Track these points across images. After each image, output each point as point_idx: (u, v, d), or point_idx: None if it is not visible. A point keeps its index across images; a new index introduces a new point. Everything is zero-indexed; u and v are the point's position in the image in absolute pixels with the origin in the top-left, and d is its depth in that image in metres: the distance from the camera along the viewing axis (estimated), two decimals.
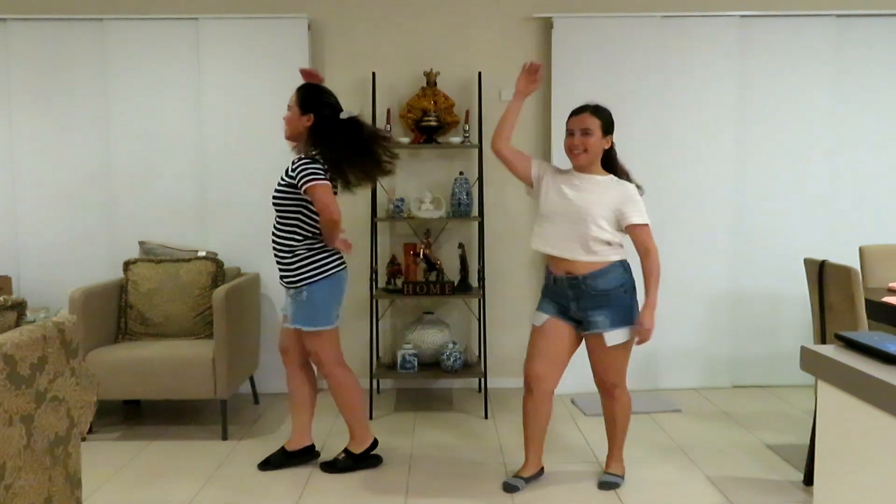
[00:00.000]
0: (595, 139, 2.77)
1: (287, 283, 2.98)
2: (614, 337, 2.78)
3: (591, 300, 2.77)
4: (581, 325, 2.86)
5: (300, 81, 4.09)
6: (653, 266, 2.74)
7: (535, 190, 2.91)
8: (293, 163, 2.91)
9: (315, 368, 3.14)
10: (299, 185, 2.85)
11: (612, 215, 2.75)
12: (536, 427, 2.92)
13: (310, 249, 2.93)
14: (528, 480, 2.95)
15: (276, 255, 2.99)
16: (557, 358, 2.86)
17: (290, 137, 3.00)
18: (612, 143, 2.87)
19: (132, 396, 3.44)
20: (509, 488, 2.90)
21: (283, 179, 2.94)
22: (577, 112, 2.82)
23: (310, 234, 2.94)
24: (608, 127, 2.82)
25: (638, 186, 2.85)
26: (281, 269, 2.99)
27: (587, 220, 2.73)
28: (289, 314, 3.03)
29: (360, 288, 4.25)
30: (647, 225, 2.76)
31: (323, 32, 4.26)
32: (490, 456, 3.27)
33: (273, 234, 2.99)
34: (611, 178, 2.83)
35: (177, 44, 4.16)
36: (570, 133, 2.80)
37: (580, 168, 2.83)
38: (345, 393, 3.05)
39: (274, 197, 2.95)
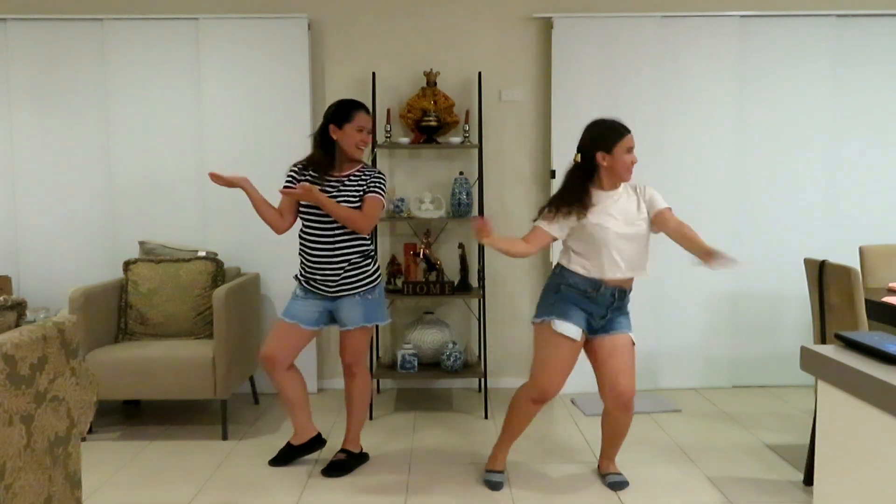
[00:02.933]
0: None
1: (363, 286, 3.00)
2: (633, 336, 2.83)
3: (621, 307, 2.82)
4: (598, 331, 2.81)
5: (300, 82, 4.15)
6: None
7: (572, 232, 2.76)
8: (373, 173, 2.99)
9: (349, 367, 3.11)
10: (370, 191, 2.95)
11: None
12: (524, 428, 2.94)
13: (373, 251, 3.10)
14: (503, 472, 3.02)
15: (348, 263, 2.98)
16: (569, 372, 2.80)
17: (359, 158, 3.03)
18: None
19: (132, 396, 3.44)
20: (495, 486, 2.92)
21: (351, 188, 2.95)
22: (627, 130, 2.72)
23: (371, 237, 3.10)
24: None
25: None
26: (354, 275, 2.98)
27: (644, 238, 2.76)
28: (347, 318, 3.01)
29: None
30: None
31: (323, 32, 4.26)
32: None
33: (343, 243, 2.96)
34: (623, 186, 2.79)
35: (177, 44, 4.16)
36: (630, 150, 2.71)
37: (615, 186, 2.77)
38: (368, 389, 3.17)
39: (352, 208, 2.94)
